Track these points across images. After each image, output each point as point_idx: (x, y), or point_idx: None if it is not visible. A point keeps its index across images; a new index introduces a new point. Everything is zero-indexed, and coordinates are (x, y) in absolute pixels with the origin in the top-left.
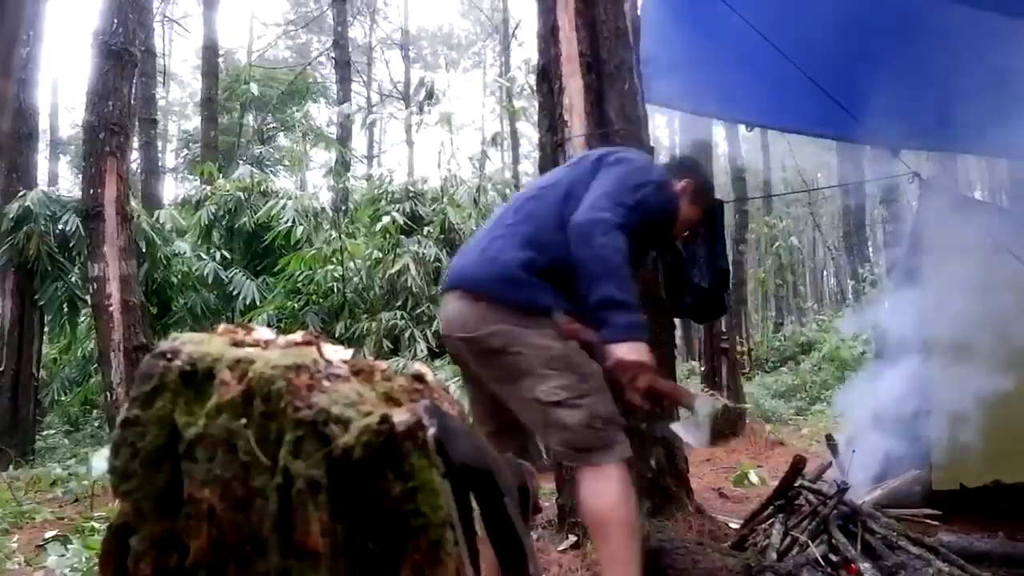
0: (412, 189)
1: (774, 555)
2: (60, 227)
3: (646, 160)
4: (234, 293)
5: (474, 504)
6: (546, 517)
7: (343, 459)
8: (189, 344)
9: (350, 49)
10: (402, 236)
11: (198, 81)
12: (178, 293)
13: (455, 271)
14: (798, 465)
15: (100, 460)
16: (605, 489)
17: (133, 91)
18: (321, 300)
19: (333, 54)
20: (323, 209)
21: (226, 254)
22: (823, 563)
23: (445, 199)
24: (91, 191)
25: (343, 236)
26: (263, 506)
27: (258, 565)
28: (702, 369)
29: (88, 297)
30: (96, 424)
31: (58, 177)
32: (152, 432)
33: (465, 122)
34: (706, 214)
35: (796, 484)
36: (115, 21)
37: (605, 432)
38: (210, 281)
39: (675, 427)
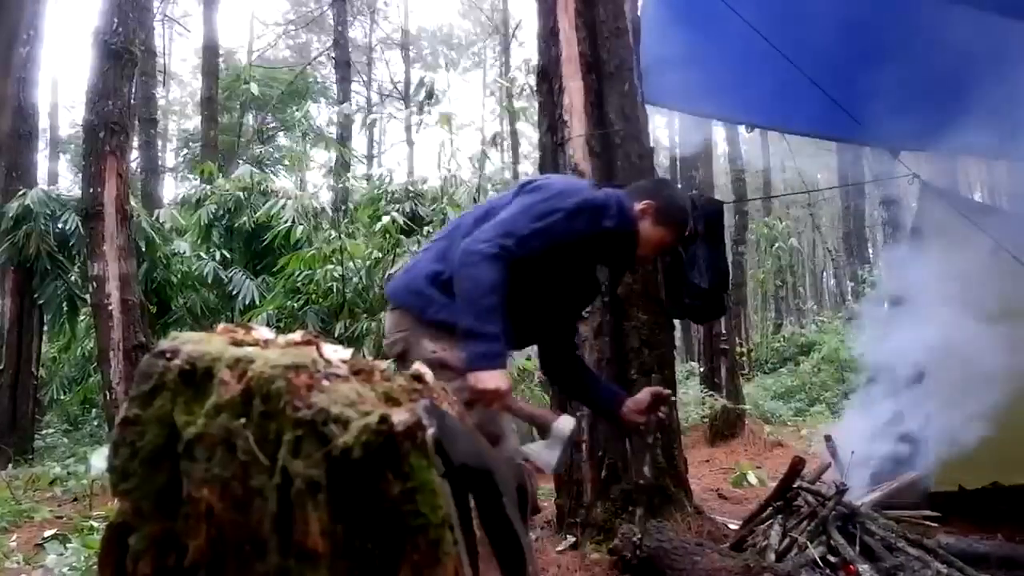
0: (412, 189)
1: (773, 556)
2: (60, 226)
3: (574, 187)
4: (234, 293)
5: (473, 504)
6: (545, 517)
7: (342, 459)
8: (188, 343)
9: (350, 49)
10: (402, 236)
11: (198, 81)
12: (178, 292)
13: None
14: (797, 466)
15: (99, 459)
16: None
17: (133, 91)
18: (321, 300)
19: (333, 54)
20: (323, 209)
21: (226, 254)
22: (822, 564)
23: (445, 199)
24: (91, 190)
25: (343, 236)
26: (262, 506)
27: (257, 565)
28: (701, 370)
29: (88, 296)
30: (95, 423)
31: (58, 176)
32: (151, 431)
33: (465, 122)
34: (708, 221)
35: (795, 485)
36: (115, 21)
37: (487, 429)
38: (210, 281)
39: (526, 448)
